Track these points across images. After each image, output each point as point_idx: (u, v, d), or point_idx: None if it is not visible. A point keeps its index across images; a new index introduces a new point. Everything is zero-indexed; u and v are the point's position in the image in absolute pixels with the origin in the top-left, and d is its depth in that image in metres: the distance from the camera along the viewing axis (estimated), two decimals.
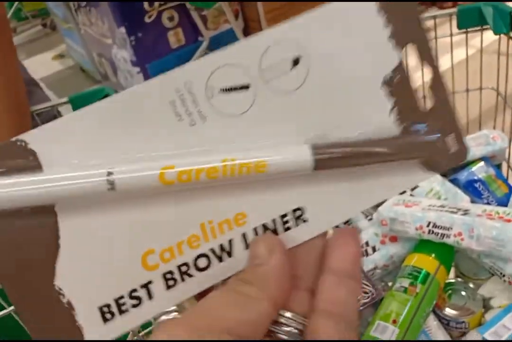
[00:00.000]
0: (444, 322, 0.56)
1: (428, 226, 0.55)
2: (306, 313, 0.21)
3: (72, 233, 0.21)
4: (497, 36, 0.63)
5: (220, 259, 0.22)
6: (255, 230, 0.22)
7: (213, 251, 0.22)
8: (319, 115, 0.22)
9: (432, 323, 0.55)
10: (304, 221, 0.23)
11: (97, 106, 0.21)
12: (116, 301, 0.21)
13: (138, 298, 0.21)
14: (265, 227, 0.22)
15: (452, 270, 0.60)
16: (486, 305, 0.57)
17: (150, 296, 0.21)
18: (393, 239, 0.59)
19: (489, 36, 0.64)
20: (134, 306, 0.21)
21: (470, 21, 0.64)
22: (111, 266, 0.21)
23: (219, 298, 0.20)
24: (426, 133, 0.23)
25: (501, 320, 0.52)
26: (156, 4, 1.63)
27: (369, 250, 0.59)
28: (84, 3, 1.78)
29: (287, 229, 0.22)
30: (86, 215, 0.21)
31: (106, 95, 0.65)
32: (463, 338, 0.55)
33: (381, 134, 0.22)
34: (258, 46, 0.21)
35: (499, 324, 0.52)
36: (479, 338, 0.52)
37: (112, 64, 1.86)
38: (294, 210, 0.22)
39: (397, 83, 0.22)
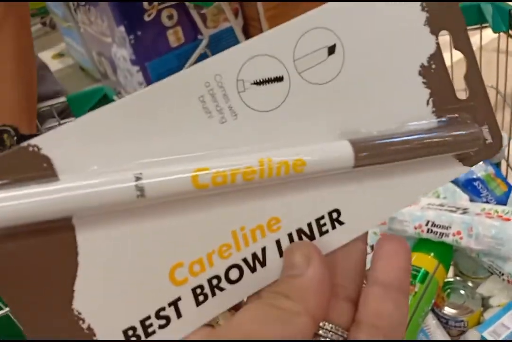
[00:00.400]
0: (443, 321, 0.56)
1: (427, 224, 0.55)
2: (346, 325, 0.19)
3: (92, 248, 0.18)
4: (497, 34, 0.63)
5: (252, 269, 0.20)
6: (289, 235, 0.20)
7: (245, 260, 0.20)
8: (356, 107, 0.21)
9: (431, 322, 0.55)
10: (341, 224, 0.21)
11: (117, 104, 0.18)
12: (142, 322, 0.19)
13: (166, 318, 0.19)
14: (300, 232, 0.21)
15: (451, 269, 0.60)
16: (485, 304, 0.57)
17: (178, 314, 0.19)
18: None
19: (489, 34, 0.64)
20: (162, 326, 0.19)
21: (469, 19, 0.64)
22: (136, 284, 0.19)
23: (253, 312, 0.18)
24: (463, 124, 0.22)
25: (500, 319, 0.52)
26: (155, 2, 1.63)
27: (368, 249, 0.59)
28: (83, 2, 1.78)
29: (323, 233, 0.21)
30: (108, 227, 0.18)
31: (104, 95, 0.65)
32: (462, 337, 0.55)
33: (418, 126, 0.21)
34: (290, 35, 0.20)
35: (498, 323, 0.52)
36: (478, 337, 0.52)
37: (111, 63, 1.86)
38: (330, 212, 0.21)
39: (433, 72, 0.21)
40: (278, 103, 0.20)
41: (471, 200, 0.62)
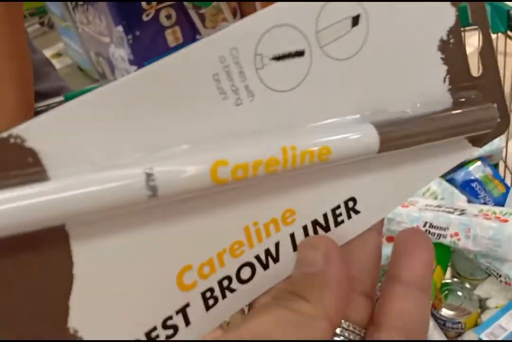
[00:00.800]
0: (440, 322, 0.55)
1: (424, 226, 0.55)
2: (362, 322, 0.18)
3: (90, 257, 0.16)
4: (495, 35, 0.62)
5: (265, 266, 0.19)
6: (304, 228, 0.19)
7: (258, 258, 0.18)
8: (376, 86, 0.19)
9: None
10: (357, 213, 0.20)
11: (117, 84, 0.15)
12: (148, 335, 0.17)
13: (174, 327, 0.17)
14: (315, 224, 0.19)
15: (449, 270, 0.60)
16: (482, 306, 0.57)
17: (187, 322, 0.17)
18: (390, 239, 0.59)
19: None
20: (169, 337, 0.17)
21: (468, 19, 0.64)
22: (140, 294, 0.17)
23: (269, 317, 0.16)
24: (480, 104, 0.20)
25: (498, 320, 0.52)
26: (154, 2, 1.63)
27: None
28: (81, 1, 1.78)
29: (339, 223, 0.19)
30: (106, 232, 0.16)
31: None
32: (459, 339, 0.55)
33: (435, 106, 0.20)
34: (313, 3, 0.18)
35: (496, 325, 0.52)
36: (475, 338, 0.52)
37: (109, 63, 1.86)
38: (346, 201, 0.19)
39: (452, 47, 0.20)
40: (298, 82, 0.18)
41: (469, 201, 0.62)
